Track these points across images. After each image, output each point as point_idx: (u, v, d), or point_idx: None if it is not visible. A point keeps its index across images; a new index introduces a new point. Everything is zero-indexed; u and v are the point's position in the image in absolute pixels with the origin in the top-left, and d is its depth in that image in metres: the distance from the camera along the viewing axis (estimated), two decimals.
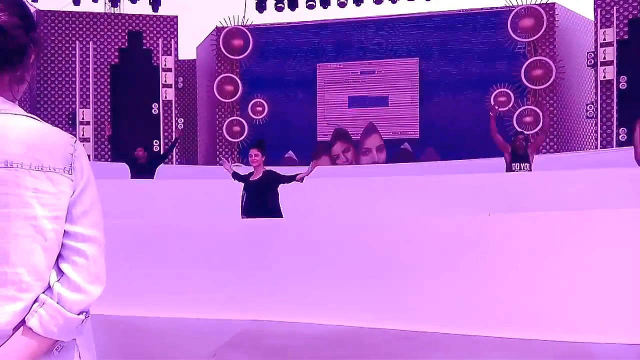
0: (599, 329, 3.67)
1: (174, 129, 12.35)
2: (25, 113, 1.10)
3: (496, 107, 5.87)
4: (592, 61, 10.99)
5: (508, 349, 3.73)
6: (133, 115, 12.18)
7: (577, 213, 4.27)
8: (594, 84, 11.12)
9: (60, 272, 1.07)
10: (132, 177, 7.89)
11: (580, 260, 3.87)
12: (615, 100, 10.71)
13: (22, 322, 1.03)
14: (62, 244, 1.07)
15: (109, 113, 12.33)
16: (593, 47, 11.00)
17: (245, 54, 12.63)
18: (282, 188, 5.58)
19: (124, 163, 8.30)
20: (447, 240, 4.24)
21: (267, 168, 5.69)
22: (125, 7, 12.72)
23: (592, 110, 11.05)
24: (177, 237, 4.85)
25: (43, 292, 1.05)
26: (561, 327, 3.75)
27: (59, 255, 1.07)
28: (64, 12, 12.31)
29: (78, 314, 1.06)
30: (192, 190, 7.26)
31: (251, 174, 5.72)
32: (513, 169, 6.88)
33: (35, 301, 1.04)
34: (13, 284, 1.02)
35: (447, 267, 4.18)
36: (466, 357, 3.71)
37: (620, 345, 3.57)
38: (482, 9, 12.16)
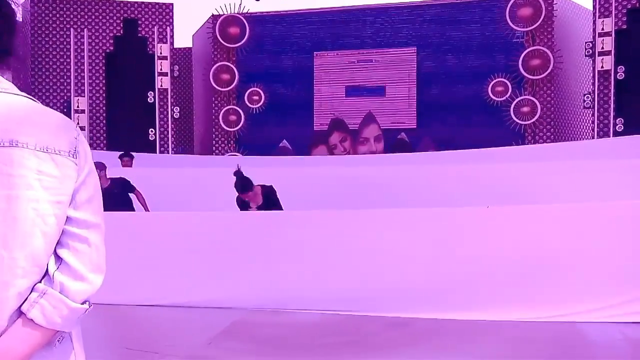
0: (585, 309, 3.89)
1: (169, 118, 12.28)
2: (25, 94, 1.07)
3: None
4: (590, 51, 10.93)
5: (502, 330, 3.79)
6: (128, 103, 12.09)
7: (570, 205, 4.43)
8: (591, 74, 11.08)
9: (59, 260, 1.01)
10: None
11: (569, 249, 4.04)
12: (612, 90, 10.68)
13: (18, 311, 0.97)
14: (62, 230, 1.02)
15: (104, 101, 12.25)
16: (591, 36, 10.95)
17: (242, 42, 12.53)
18: (282, 179, 5.52)
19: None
20: (445, 230, 4.28)
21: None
22: None
23: (590, 100, 11.02)
24: (171, 227, 4.84)
25: (40, 282, 1.00)
26: (551, 309, 3.95)
27: (58, 242, 1.02)
28: None
29: (82, 304, 1.02)
30: (188, 180, 7.23)
31: None
32: None
33: (31, 290, 0.98)
34: (9, 268, 0.97)
35: (443, 255, 4.21)
36: (461, 341, 3.73)
37: (604, 324, 3.81)
38: None
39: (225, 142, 12.64)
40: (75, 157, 1.04)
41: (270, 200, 5.20)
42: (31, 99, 1.05)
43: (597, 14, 10.76)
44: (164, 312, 4.43)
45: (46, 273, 1.01)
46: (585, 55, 11.17)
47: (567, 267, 4.01)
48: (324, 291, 4.31)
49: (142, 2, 12.41)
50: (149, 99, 12.18)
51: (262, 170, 6.82)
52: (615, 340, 3.67)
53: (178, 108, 12.42)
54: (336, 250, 4.39)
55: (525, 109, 11.48)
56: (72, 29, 12.14)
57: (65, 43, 12.13)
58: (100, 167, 6.07)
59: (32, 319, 0.98)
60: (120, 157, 8.16)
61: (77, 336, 1.09)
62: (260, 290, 4.45)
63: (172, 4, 12.50)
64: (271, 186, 5.25)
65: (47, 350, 1.01)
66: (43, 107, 1.06)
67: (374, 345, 3.71)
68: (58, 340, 1.03)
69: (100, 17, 12.23)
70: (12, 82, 1.10)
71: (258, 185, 5.24)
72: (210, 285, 4.55)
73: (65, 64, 12.13)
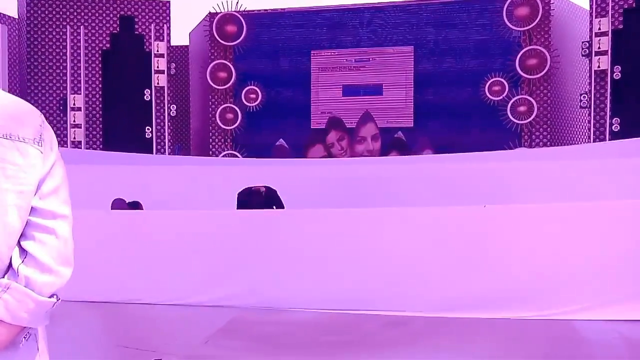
0: (581, 307, 3.92)
1: (166, 116, 12.24)
2: None
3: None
4: (587, 51, 10.96)
5: (499, 328, 3.81)
6: (125, 101, 12.04)
7: (566, 205, 4.45)
8: (588, 74, 11.10)
9: (24, 253, 0.96)
10: None
11: (566, 248, 4.06)
12: (609, 90, 10.70)
13: None
14: (27, 221, 0.96)
15: (100, 99, 12.20)
16: (588, 36, 10.97)
17: (239, 40, 12.50)
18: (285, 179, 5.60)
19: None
20: (442, 229, 4.28)
21: None
22: None
23: (586, 100, 11.04)
24: (169, 226, 4.82)
25: (4, 276, 0.95)
26: (547, 307, 3.98)
27: (23, 234, 0.96)
28: None
29: (49, 297, 0.97)
30: (186, 178, 7.20)
31: None
32: None
33: None
34: None
35: (442, 255, 4.21)
36: (459, 340, 3.74)
37: (600, 322, 3.87)
38: None
39: (222, 140, 12.61)
40: (40, 144, 0.98)
41: (273, 202, 5.27)
42: None
43: (594, 14, 10.78)
44: (161, 310, 4.42)
45: (10, 267, 0.96)
46: (582, 55, 11.19)
47: (564, 265, 4.03)
48: (322, 290, 4.31)
49: (139, 0, 12.36)
50: (145, 97, 12.13)
51: (261, 169, 6.80)
52: (611, 339, 3.69)
53: (175, 106, 12.38)
54: (335, 249, 4.39)
55: (522, 108, 11.49)
56: (68, 26, 12.08)
57: (61, 40, 12.07)
58: (138, 207, 5.88)
59: None
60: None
61: (42, 335, 1.03)
62: (258, 288, 4.45)
63: (169, 2, 12.45)
64: (275, 190, 5.34)
65: (12, 350, 0.96)
66: (5, 93, 1.00)
67: (373, 344, 3.71)
68: (25, 338, 0.98)
69: (97, 15, 12.17)
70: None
71: (263, 186, 5.32)
72: (208, 283, 4.54)
73: (61, 61, 12.07)
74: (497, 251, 4.16)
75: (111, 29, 12.22)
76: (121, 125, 11.96)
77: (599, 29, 10.71)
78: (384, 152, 12.06)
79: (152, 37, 12.25)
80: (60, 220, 0.99)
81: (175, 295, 4.56)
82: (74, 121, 11.92)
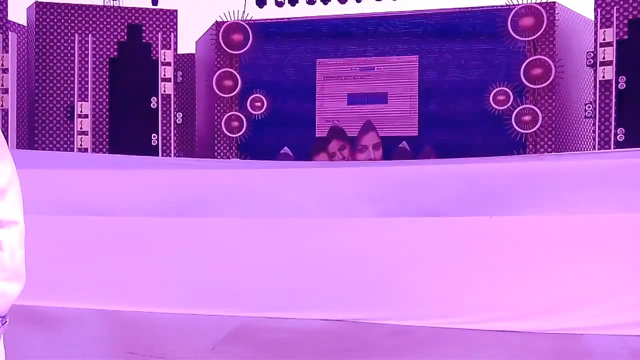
0: (591, 321, 3.88)
1: (172, 123, 12.32)
2: None
3: None
4: (592, 61, 10.99)
5: (504, 341, 3.81)
6: (131, 108, 12.14)
7: (574, 217, 4.42)
8: (592, 84, 11.13)
9: None
10: None
11: (574, 261, 4.04)
12: (613, 100, 10.73)
13: None
14: None
15: (107, 106, 12.30)
16: (593, 46, 11.01)
17: (245, 48, 12.60)
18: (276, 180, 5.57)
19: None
20: (447, 239, 4.30)
21: None
22: (125, 0, 12.67)
23: (591, 110, 11.07)
24: (173, 232, 4.86)
25: None
26: (555, 320, 3.95)
27: None
28: (63, 4, 12.25)
29: None
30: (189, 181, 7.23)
31: None
32: None
33: None
34: None
35: (447, 264, 4.23)
36: (464, 351, 3.75)
37: (611, 336, 3.83)
38: (482, 7, 12.14)
39: (227, 147, 12.68)
40: None
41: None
42: None
43: (599, 25, 10.83)
44: (164, 318, 4.45)
45: None
46: (587, 65, 11.22)
47: (572, 278, 4.00)
48: (326, 298, 4.34)
49: (147, 9, 12.49)
50: (152, 105, 12.23)
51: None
52: (620, 353, 3.67)
53: (181, 114, 12.47)
54: (339, 257, 4.42)
55: (527, 117, 11.52)
56: (76, 34, 12.21)
57: (69, 48, 12.20)
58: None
59: None
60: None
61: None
62: (261, 296, 4.48)
63: (176, 11, 12.58)
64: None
65: None
66: None
67: (376, 352, 3.74)
68: None
69: (105, 23, 12.30)
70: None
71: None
72: (212, 290, 4.57)
73: (69, 68, 12.20)
74: (503, 263, 4.17)
75: (119, 37, 12.34)
76: (127, 133, 12.06)
77: (604, 39, 10.75)
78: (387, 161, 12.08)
79: (159, 45, 12.36)
80: (6, 228, 0.84)
81: (178, 303, 4.59)
82: (81, 128, 12.01)
